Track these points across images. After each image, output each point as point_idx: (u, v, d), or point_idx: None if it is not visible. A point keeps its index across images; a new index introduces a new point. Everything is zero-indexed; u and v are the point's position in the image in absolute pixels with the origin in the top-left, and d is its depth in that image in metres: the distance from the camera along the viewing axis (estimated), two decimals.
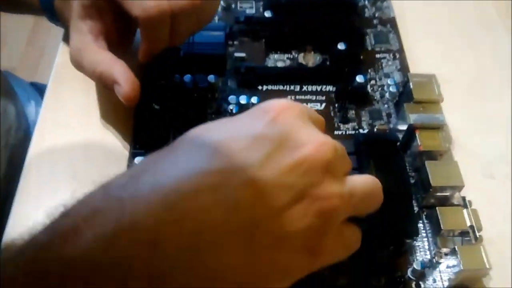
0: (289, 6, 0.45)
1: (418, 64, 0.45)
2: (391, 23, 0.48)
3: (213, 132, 0.26)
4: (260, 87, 0.42)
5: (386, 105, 0.42)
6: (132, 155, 0.37)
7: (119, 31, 0.37)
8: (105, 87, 0.35)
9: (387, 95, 0.43)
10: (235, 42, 0.45)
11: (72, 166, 0.37)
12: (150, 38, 0.36)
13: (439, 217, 0.34)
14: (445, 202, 0.36)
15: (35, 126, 0.40)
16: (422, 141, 0.37)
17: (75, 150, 0.38)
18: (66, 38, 0.44)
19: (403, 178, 0.35)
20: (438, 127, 0.38)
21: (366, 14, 0.48)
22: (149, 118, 0.39)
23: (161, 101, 0.40)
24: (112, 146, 0.38)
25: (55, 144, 0.38)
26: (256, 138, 0.25)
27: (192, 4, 0.35)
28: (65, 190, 0.36)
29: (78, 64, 0.36)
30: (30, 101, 0.53)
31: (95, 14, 0.36)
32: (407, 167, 0.38)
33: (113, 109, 0.40)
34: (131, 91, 0.34)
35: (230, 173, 0.24)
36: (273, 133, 0.25)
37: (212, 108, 0.40)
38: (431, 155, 0.37)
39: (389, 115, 0.41)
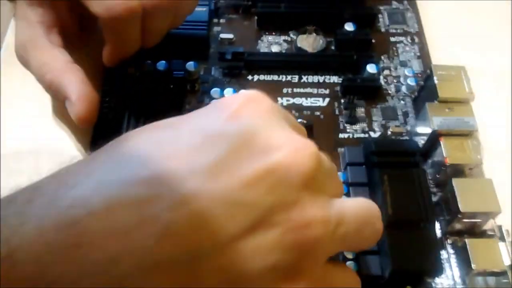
0: None
1: (440, 50, 0.37)
2: None
3: (155, 131, 0.20)
4: (250, 77, 0.35)
5: (402, 102, 0.35)
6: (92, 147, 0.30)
7: (77, 21, 0.30)
8: (55, 99, 0.28)
9: (403, 88, 0.35)
10: (221, 21, 0.37)
11: (20, 170, 0.30)
12: (117, 41, 0.29)
13: (470, 253, 0.27)
14: (475, 229, 0.29)
15: None
16: (448, 152, 0.29)
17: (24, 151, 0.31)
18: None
19: (425, 199, 0.28)
20: (467, 134, 0.30)
21: None
22: (110, 116, 0.31)
23: (128, 93, 0.32)
24: (67, 147, 0.31)
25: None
26: (206, 137, 0.19)
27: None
28: None
29: (24, 62, 0.29)
30: None
31: (45, 1, 0.29)
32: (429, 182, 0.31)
33: None
34: (85, 112, 0.27)
35: (161, 184, 0.17)
36: (230, 131, 0.19)
37: (190, 103, 0.33)
38: (459, 169, 0.30)
39: (405, 114, 0.34)
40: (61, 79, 0.27)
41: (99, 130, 0.31)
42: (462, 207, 0.27)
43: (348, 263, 0.27)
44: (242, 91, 0.22)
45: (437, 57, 0.37)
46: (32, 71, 0.29)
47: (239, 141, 0.18)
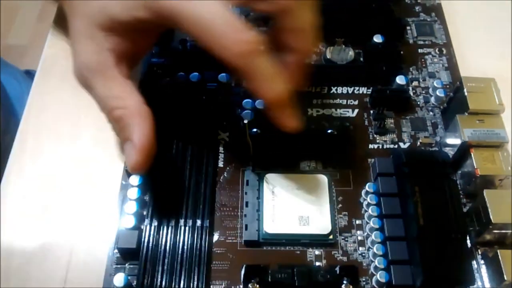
0: None
1: (468, 61, 0.38)
2: (436, 11, 0.40)
3: None
4: None
5: (431, 113, 0.35)
6: (127, 172, 0.31)
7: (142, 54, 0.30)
8: (115, 130, 0.27)
9: (432, 100, 0.35)
10: None
11: (55, 182, 0.32)
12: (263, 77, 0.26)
13: (502, 264, 0.27)
14: (506, 240, 0.29)
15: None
16: (479, 163, 0.30)
17: (60, 162, 0.32)
18: (59, 26, 0.38)
19: (456, 210, 0.29)
20: (498, 145, 0.31)
21: (407, 0, 0.41)
22: None
23: (161, 104, 0.33)
24: (104, 158, 0.32)
25: (37, 154, 0.32)
26: None
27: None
28: (47, 205, 0.30)
29: (86, 85, 0.28)
30: (23, 96, 0.47)
31: (128, 32, 0.27)
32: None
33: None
34: (142, 163, 0.26)
35: None
36: None
37: (222, 114, 0.34)
38: (489, 180, 0.30)
39: (435, 125, 0.34)
40: (132, 120, 0.26)
41: None
42: (493, 218, 0.28)
43: (379, 273, 0.28)
44: None
45: (465, 68, 0.37)
46: (96, 98, 0.27)
47: None
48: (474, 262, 0.29)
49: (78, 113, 0.34)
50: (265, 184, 0.30)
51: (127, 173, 0.30)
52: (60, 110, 0.34)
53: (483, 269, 0.29)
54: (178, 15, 0.25)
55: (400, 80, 0.35)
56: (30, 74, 0.52)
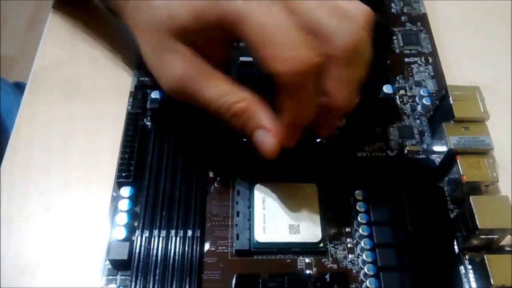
0: None
1: (452, 69, 0.39)
2: (422, 20, 0.41)
3: None
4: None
5: (418, 121, 0.36)
6: (118, 185, 0.31)
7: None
8: (239, 127, 0.28)
9: (419, 108, 0.36)
10: (240, 44, 0.38)
11: (44, 195, 0.32)
12: (297, 105, 0.26)
13: (488, 268, 0.27)
14: (492, 245, 0.30)
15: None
16: (465, 170, 0.30)
17: (51, 174, 0.32)
18: (50, 37, 0.38)
19: (443, 216, 0.29)
20: (483, 152, 0.31)
21: (393, 10, 0.41)
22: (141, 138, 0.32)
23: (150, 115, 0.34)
24: (94, 170, 0.33)
25: (27, 167, 0.33)
26: None
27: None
28: (38, 216, 0.31)
29: (190, 95, 0.28)
30: (13, 109, 0.47)
31: (197, 41, 0.28)
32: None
33: (98, 125, 0.34)
34: (281, 144, 0.27)
35: None
36: None
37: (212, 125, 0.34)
38: (475, 186, 0.31)
39: (422, 133, 0.35)
40: (257, 108, 0.27)
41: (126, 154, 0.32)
42: (479, 223, 0.28)
43: (368, 279, 0.28)
44: None
45: (451, 76, 0.38)
46: (207, 103, 0.27)
47: None
48: (461, 267, 0.30)
49: (69, 125, 0.34)
50: (255, 193, 0.31)
51: (118, 185, 0.31)
52: (51, 122, 0.34)
53: (471, 274, 0.29)
54: (243, 17, 0.25)
55: (387, 89, 0.35)
56: (20, 87, 0.52)
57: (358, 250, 0.30)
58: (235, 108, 0.27)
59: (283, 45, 0.24)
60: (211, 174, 0.32)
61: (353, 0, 0.28)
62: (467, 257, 0.30)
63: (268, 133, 0.27)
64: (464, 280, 0.29)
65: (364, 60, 0.28)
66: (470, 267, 0.30)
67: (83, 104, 0.35)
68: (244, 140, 0.32)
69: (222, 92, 0.27)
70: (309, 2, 0.27)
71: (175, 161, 0.31)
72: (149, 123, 0.34)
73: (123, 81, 0.36)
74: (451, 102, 0.32)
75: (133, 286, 0.27)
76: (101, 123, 0.35)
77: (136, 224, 0.29)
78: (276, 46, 0.24)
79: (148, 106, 0.34)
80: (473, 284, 0.29)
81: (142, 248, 0.28)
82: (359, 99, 0.35)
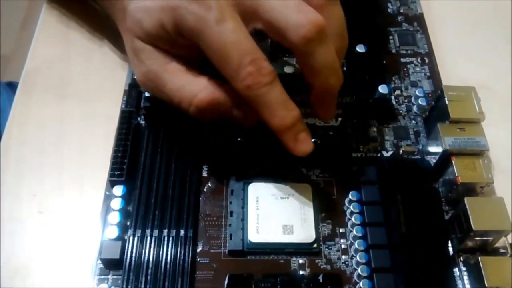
0: None
1: (448, 69, 0.38)
2: (419, 20, 0.41)
3: None
4: None
5: (413, 121, 0.35)
6: (110, 183, 0.31)
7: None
8: (207, 116, 0.29)
9: (415, 108, 0.36)
10: None
11: (37, 195, 0.31)
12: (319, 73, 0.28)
13: (482, 270, 0.27)
14: (487, 247, 0.29)
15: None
16: (460, 171, 0.30)
17: (43, 174, 0.32)
18: (42, 35, 0.38)
19: (438, 218, 0.29)
20: (479, 153, 0.31)
21: (389, 10, 0.41)
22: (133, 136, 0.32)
23: (145, 114, 0.33)
24: (88, 169, 0.32)
25: (20, 166, 0.32)
26: None
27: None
28: (31, 216, 0.30)
29: (155, 87, 0.29)
30: (5, 109, 0.46)
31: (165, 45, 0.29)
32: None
33: (91, 124, 0.34)
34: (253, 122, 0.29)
35: None
36: None
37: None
38: (471, 188, 0.31)
39: (417, 134, 0.35)
40: (219, 96, 0.28)
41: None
42: (474, 225, 0.28)
43: (362, 281, 0.28)
44: None
45: (447, 76, 0.38)
46: (167, 94, 0.29)
47: None
48: (456, 269, 0.29)
49: (62, 125, 0.34)
50: (249, 193, 0.30)
51: (111, 183, 0.30)
52: (43, 122, 0.34)
53: (465, 276, 0.29)
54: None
55: (382, 89, 0.35)
56: (12, 86, 0.52)
57: (352, 251, 0.30)
58: (196, 102, 0.28)
59: (292, 12, 0.26)
60: (204, 173, 0.32)
61: None
62: (461, 259, 0.30)
63: (242, 111, 0.28)
64: (459, 282, 0.29)
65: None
66: (464, 269, 0.29)
67: (76, 103, 0.35)
68: (239, 139, 0.32)
69: (180, 83, 0.28)
70: None
71: (168, 160, 0.31)
72: (143, 122, 0.33)
73: (117, 79, 0.36)
74: (447, 102, 0.32)
75: (124, 286, 0.27)
76: (94, 122, 0.34)
77: (128, 223, 0.29)
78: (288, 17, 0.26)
79: (142, 105, 0.34)
80: (467, 286, 0.29)
81: (134, 247, 0.28)
82: (354, 99, 0.35)
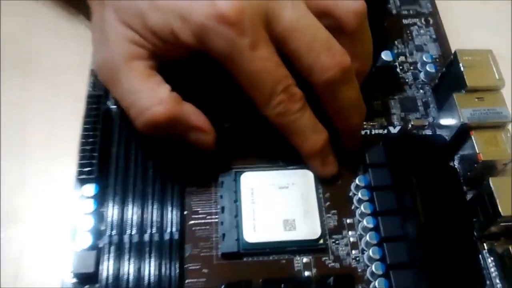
0: None
1: (458, 35, 0.34)
2: None
3: None
4: None
5: (422, 91, 0.31)
6: (79, 182, 0.26)
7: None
8: (162, 134, 0.25)
9: (422, 76, 0.32)
10: None
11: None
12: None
13: None
14: None
15: None
16: (481, 147, 0.26)
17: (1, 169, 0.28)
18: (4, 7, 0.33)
19: (461, 204, 0.25)
20: (500, 125, 0.27)
21: None
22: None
23: None
24: (54, 165, 0.28)
25: None
26: None
27: None
28: None
29: (110, 80, 0.25)
30: None
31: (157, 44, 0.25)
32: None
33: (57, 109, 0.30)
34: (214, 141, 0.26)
35: None
36: None
37: None
38: (492, 165, 0.27)
39: (426, 105, 0.31)
40: (180, 109, 0.25)
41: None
42: (502, 210, 0.24)
43: (377, 280, 0.24)
44: None
45: (455, 43, 0.33)
46: (122, 94, 0.25)
47: None
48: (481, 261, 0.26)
49: (24, 109, 0.30)
50: (242, 184, 0.26)
51: (80, 182, 0.26)
52: (2, 107, 0.30)
53: (492, 268, 0.26)
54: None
55: (385, 56, 0.31)
56: None
57: (362, 245, 0.26)
58: (148, 115, 0.24)
59: (320, 52, 0.24)
60: (189, 164, 0.27)
61: None
62: (485, 247, 0.26)
63: (204, 133, 0.26)
64: (487, 276, 0.26)
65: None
66: (491, 259, 0.26)
67: (40, 84, 0.31)
68: (226, 125, 0.27)
69: (137, 87, 0.24)
70: None
71: (146, 151, 0.27)
72: (114, 106, 0.29)
73: (86, 57, 0.31)
74: (462, 69, 0.28)
75: None
76: (60, 105, 0.30)
77: (103, 228, 0.25)
78: (314, 56, 0.24)
79: None
80: (495, 279, 0.25)
81: (111, 257, 0.24)
82: None
